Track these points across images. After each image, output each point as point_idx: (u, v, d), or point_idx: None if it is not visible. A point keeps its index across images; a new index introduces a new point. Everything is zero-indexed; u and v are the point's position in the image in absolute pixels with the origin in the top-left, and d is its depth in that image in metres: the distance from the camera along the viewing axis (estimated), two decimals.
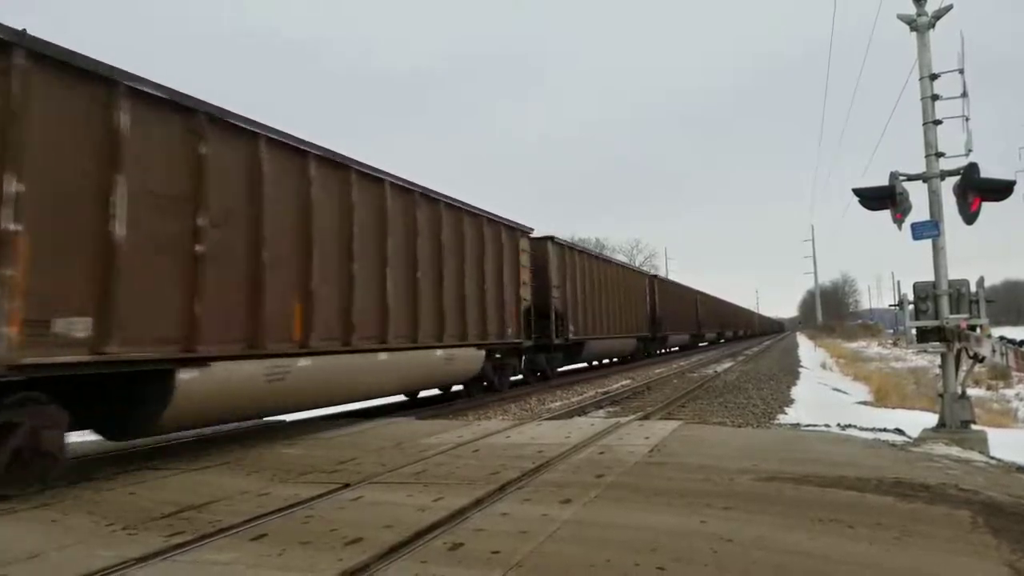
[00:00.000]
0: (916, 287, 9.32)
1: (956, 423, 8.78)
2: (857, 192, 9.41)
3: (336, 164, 9.08)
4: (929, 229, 9.02)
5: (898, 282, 9.92)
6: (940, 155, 9.15)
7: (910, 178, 9.23)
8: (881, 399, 18.39)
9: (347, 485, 5.40)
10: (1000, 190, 8.54)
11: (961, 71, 8.98)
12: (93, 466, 6.81)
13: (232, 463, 6.61)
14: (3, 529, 4.50)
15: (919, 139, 9.32)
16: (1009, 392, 21.74)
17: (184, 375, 6.52)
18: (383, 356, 9.89)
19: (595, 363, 25.54)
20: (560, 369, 20.04)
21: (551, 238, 18.68)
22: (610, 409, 12.80)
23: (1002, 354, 7.33)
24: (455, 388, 14.17)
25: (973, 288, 9.05)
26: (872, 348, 52.35)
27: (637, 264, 62.69)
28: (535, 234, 17.11)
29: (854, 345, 56.71)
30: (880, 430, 8.93)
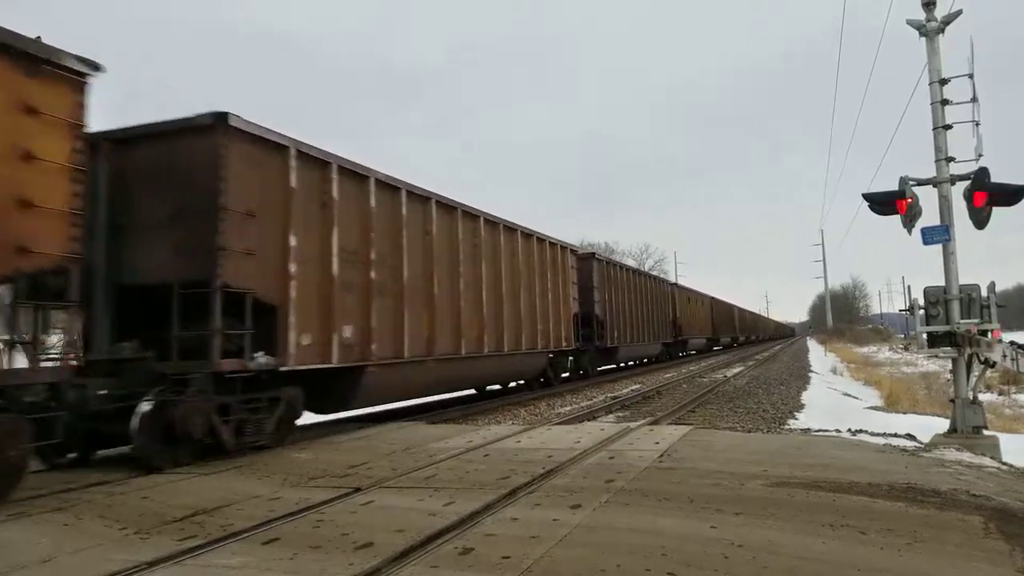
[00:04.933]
0: (927, 292, 9.29)
1: (968, 428, 8.74)
2: (867, 197, 9.40)
3: (470, 215, 12.81)
4: (939, 234, 8.99)
5: (908, 286, 9.89)
6: (950, 160, 9.12)
7: (920, 183, 9.20)
8: (892, 404, 18.33)
9: (358, 489, 5.43)
10: (1010, 195, 8.51)
11: (971, 76, 8.96)
12: (105, 470, 6.85)
13: (243, 467, 6.65)
14: (17, 532, 4.54)
15: (930, 143, 9.30)
16: (1021, 397, 21.59)
17: None
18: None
19: (627, 364, 25.94)
20: (600, 368, 21.57)
21: (593, 254, 21.62)
22: (620, 414, 12.78)
23: (1013, 359, 7.30)
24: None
25: (984, 293, 9.01)
26: (883, 353, 52.10)
27: (646, 268, 61.94)
28: (579, 252, 19.66)
29: (864, 350, 56.43)
30: (891, 435, 8.87)
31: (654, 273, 46.93)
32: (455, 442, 7.75)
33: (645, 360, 28.57)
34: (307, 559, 3.74)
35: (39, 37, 5.44)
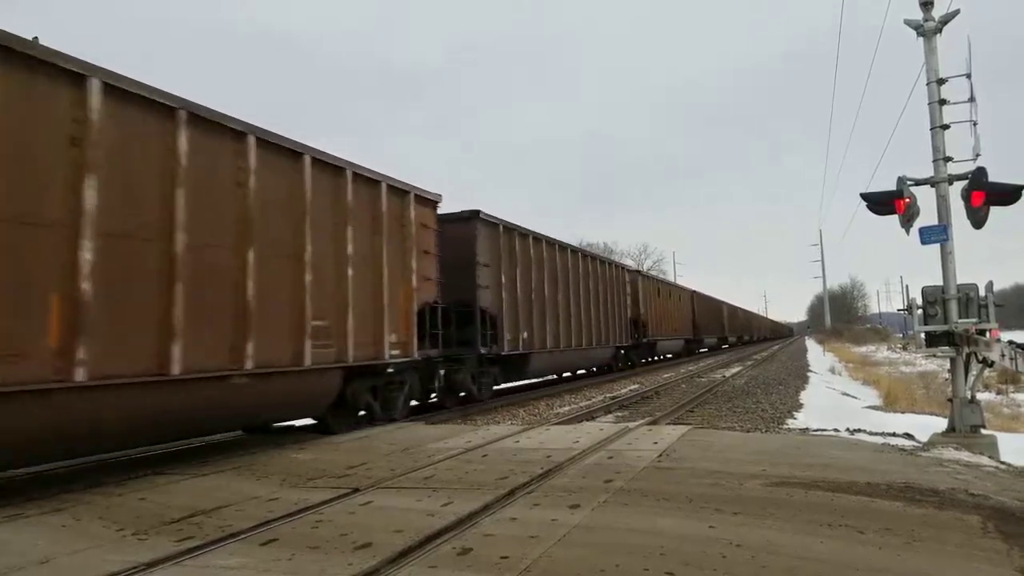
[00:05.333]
0: (925, 291, 9.29)
1: (966, 427, 8.74)
2: (865, 197, 9.40)
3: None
4: (937, 234, 9.00)
5: (907, 286, 9.92)
6: (948, 159, 9.13)
7: (918, 183, 9.21)
8: (890, 403, 18.32)
9: (357, 490, 5.42)
10: (1008, 194, 8.51)
11: (968, 76, 8.97)
12: (104, 471, 6.85)
13: (242, 468, 6.64)
14: (15, 534, 4.53)
15: (928, 143, 9.31)
16: (1019, 396, 21.60)
17: None
18: None
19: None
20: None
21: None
22: (619, 414, 12.78)
23: (1011, 358, 7.30)
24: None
25: (982, 292, 9.01)
26: (881, 352, 52.15)
27: (645, 268, 60.34)
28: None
29: (863, 349, 56.48)
30: (889, 435, 8.88)
31: (654, 272, 43.34)
32: (454, 442, 7.74)
33: (669, 356, 20.15)
34: (306, 559, 3.74)
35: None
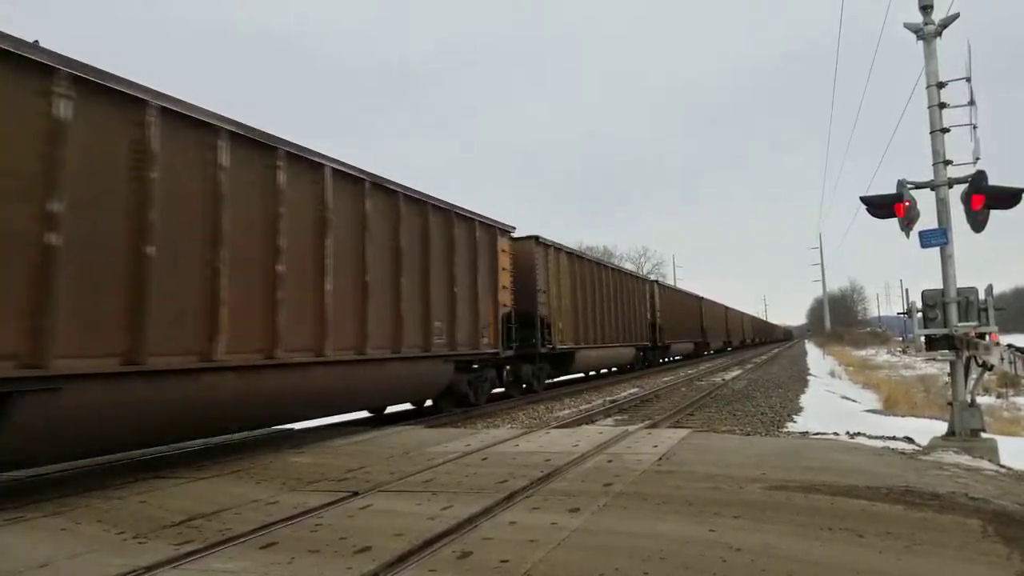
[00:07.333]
0: (924, 295, 9.30)
1: (966, 431, 8.74)
2: (865, 200, 9.40)
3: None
4: (937, 237, 9.00)
5: (906, 290, 9.91)
6: (948, 163, 9.14)
7: (918, 186, 9.21)
8: (890, 407, 18.35)
9: (356, 493, 5.42)
10: (1008, 198, 8.52)
11: (968, 79, 8.98)
12: (103, 475, 6.85)
13: (241, 471, 6.63)
14: (13, 537, 4.53)
15: (928, 146, 9.31)
16: (1019, 400, 21.61)
17: None
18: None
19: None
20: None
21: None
22: (618, 417, 12.77)
23: (1010, 362, 7.31)
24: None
25: (982, 296, 9.02)
26: (881, 356, 52.17)
27: (645, 272, 60.71)
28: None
29: (863, 352, 56.52)
30: (889, 438, 8.90)
31: (653, 276, 44.29)
32: (453, 446, 7.74)
33: (679, 357, 24.95)
34: (305, 563, 3.73)
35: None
